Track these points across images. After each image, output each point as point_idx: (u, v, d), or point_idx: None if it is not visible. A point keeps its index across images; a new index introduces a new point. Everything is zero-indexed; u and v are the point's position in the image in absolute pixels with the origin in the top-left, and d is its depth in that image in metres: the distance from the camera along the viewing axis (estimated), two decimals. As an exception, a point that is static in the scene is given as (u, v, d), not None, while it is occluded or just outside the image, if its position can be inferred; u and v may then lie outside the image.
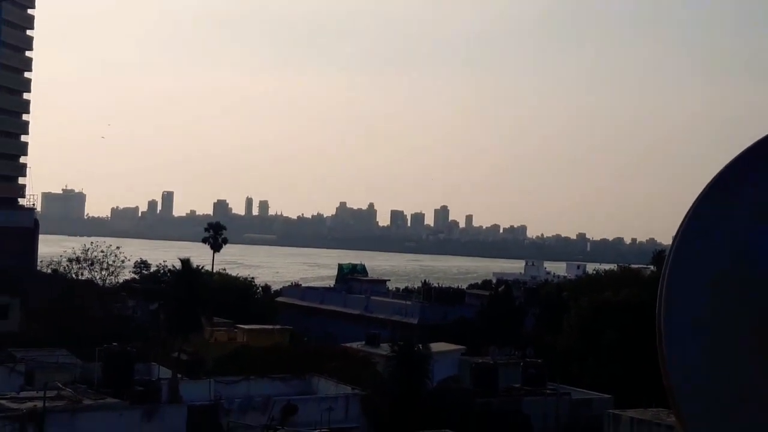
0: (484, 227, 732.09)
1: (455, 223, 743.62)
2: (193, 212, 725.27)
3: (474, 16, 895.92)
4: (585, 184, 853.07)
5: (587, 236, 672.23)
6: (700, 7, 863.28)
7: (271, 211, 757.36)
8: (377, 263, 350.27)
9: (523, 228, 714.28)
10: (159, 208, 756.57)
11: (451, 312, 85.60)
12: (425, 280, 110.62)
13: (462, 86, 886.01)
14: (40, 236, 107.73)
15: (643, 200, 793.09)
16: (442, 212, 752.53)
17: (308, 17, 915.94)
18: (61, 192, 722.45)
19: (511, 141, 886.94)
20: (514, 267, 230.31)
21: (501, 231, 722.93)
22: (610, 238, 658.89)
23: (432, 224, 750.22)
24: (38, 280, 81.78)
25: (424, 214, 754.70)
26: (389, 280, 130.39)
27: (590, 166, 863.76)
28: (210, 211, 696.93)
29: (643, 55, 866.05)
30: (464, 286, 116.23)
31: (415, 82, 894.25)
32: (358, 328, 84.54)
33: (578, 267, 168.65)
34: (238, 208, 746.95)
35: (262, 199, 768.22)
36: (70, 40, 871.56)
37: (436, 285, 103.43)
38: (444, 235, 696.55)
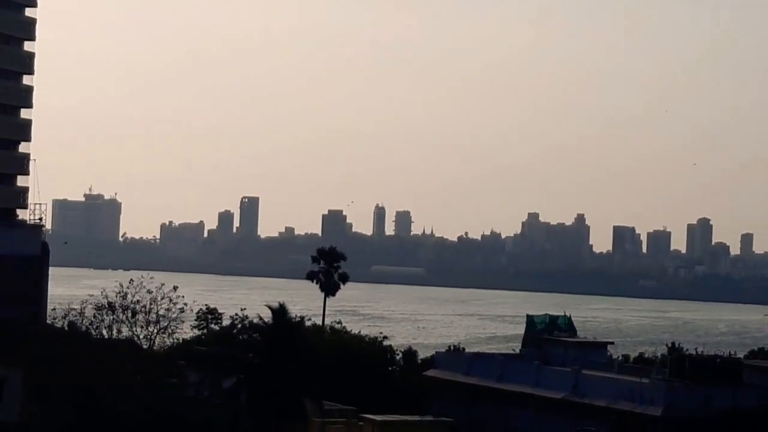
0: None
1: (723, 247, 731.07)
2: (289, 231, 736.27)
3: None
4: None
5: None
6: None
7: (416, 230, 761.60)
8: (591, 314, 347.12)
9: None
10: (236, 224, 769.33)
11: (720, 397, 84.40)
12: (673, 344, 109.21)
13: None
14: (51, 269, 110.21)
15: None
16: (700, 229, 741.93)
17: None
18: (82, 199, 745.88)
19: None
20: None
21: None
22: None
23: (683, 249, 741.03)
24: (48, 340, 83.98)
25: (669, 233, 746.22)
26: (612, 342, 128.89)
27: None
28: (317, 228, 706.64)
29: None
30: (741, 354, 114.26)
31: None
32: (560, 422, 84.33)
33: None
34: (361, 225, 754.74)
35: (401, 210, 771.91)
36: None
37: (693, 352, 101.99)
38: (704, 269, 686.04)
